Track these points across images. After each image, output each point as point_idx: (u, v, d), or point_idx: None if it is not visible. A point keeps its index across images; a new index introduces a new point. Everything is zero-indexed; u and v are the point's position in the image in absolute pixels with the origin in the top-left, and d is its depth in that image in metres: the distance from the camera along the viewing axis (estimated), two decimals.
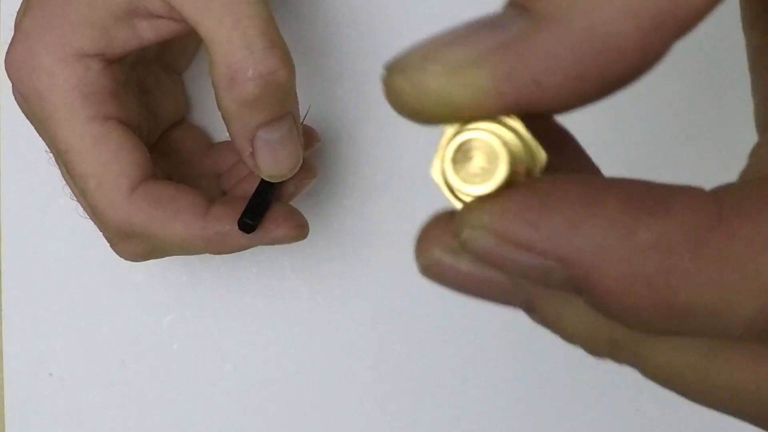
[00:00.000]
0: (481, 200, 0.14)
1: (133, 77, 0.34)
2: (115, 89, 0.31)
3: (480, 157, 0.14)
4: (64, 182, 0.33)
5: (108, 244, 0.33)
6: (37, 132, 0.32)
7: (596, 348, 0.15)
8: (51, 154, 0.32)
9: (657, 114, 0.38)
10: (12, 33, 0.31)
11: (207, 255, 0.32)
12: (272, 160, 0.31)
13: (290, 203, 0.34)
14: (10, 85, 0.31)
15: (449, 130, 0.15)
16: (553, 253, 0.13)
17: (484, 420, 0.39)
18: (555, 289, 0.14)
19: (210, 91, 0.30)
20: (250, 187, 0.33)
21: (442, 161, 0.15)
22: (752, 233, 0.13)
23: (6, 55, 0.31)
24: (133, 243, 0.32)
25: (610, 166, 0.17)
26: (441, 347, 0.39)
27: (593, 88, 0.14)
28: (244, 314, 0.39)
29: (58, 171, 0.33)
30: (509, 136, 0.15)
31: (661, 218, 0.13)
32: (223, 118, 0.30)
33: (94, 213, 0.31)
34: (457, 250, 0.15)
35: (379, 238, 0.39)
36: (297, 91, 0.31)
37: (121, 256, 0.33)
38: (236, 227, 0.31)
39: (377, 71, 0.44)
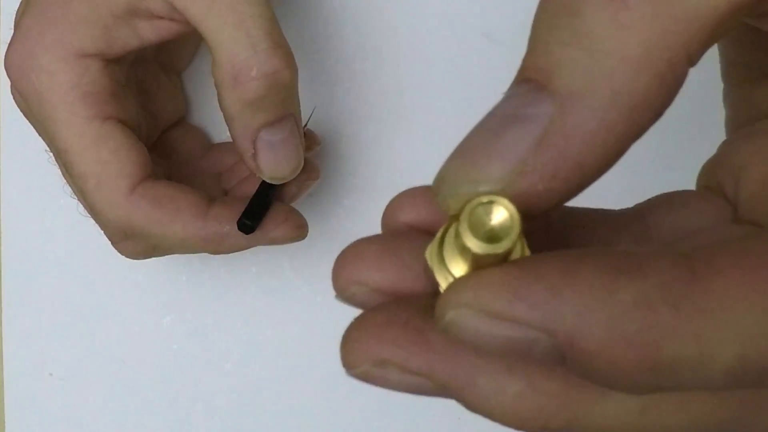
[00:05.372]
0: (460, 282, 0.14)
1: (132, 77, 0.34)
2: (115, 89, 0.31)
3: (493, 221, 0.14)
4: (65, 181, 0.33)
5: (108, 244, 0.33)
6: (36, 131, 0.32)
7: (529, 430, 0.16)
8: (51, 154, 0.32)
9: None
10: (12, 32, 0.31)
11: (207, 255, 0.32)
12: (274, 162, 0.31)
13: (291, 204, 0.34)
14: (10, 84, 0.31)
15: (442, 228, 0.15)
16: (537, 322, 0.13)
17: (484, 420, 0.39)
18: (537, 363, 0.14)
19: (209, 91, 0.30)
20: (252, 188, 0.33)
21: (439, 242, 0.15)
22: (726, 285, 0.13)
23: (5, 55, 0.31)
24: (133, 242, 0.32)
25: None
26: None
27: (627, 145, 0.14)
28: (244, 314, 0.39)
29: (58, 170, 0.33)
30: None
31: (639, 278, 0.13)
32: (225, 119, 0.30)
33: (94, 213, 0.31)
34: (384, 363, 0.15)
35: None
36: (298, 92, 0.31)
37: (123, 255, 0.33)
38: (235, 228, 0.31)
39: (377, 72, 0.44)
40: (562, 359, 0.14)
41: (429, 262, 0.15)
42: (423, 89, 0.38)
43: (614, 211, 0.18)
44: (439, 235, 0.15)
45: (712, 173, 0.18)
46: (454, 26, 0.38)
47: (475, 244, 0.14)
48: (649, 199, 0.18)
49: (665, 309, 0.13)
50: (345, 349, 0.16)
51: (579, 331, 0.13)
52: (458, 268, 0.15)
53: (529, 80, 0.14)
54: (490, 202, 0.14)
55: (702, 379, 0.14)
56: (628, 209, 0.18)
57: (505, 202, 0.14)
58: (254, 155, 0.31)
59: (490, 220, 0.14)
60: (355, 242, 0.17)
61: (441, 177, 0.15)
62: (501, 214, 0.14)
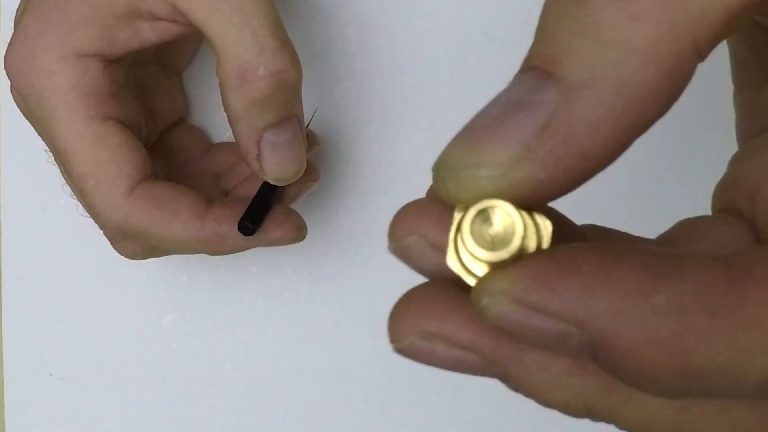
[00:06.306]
0: (498, 269, 0.14)
1: (132, 77, 0.34)
2: (114, 89, 0.31)
3: (495, 227, 0.14)
4: (65, 181, 0.33)
5: (108, 244, 0.33)
6: (36, 131, 0.32)
7: (572, 412, 0.16)
8: (51, 154, 0.32)
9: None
10: (12, 32, 0.31)
11: (207, 255, 0.32)
12: (278, 164, 0.31)
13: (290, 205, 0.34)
14: (10, 84, 0.31)
15: (458, 211, 0.15)
16: (571, 317, 0.13)
17: (484, 420, 0.39)
18: (569, 355, 0.14)
19: (209, 91, 0.30)
20: (252, 188, 0.33)
21: (456, 236, 0.15)
22: (764, 294, 0.13)
23: (5, 55, 0.31)
24: (132, 242, 0.32)
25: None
26: None
27: (633, 137, 0.14)
28: (244, 314, 0.39)
29: (58, 170, 0.33)
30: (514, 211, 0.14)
31: (675, 282, 0.13)
32: (230, 119, 0.30)
33: (93, 213, 0.31)
34: (431, 336, 0.15)
35: (379, 238, 0.39)
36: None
37: (122, 255, 0.33)
38: (235, 229, 0.31)
39: (377, 71, 0.44)
40: (595, 355, 0.14)
41: (455, 271, 0.15)
42: (423, 89, 0.38)
43: (638, 239, 0.18)
44: (451, 239, 0.15)
45: (726, 195, 0.18)
46: (454, 26, 0.38)
47: (481, 254, 0.14)
48: (670, 229, 0.18)
49: (700, 315, 0.13)
50: (392, 323, 0.16)
51: (612, 330, 0.13)
52: (479, 268, 0.15)
53: (535, 68, 0.14)
54: (489, 207, 0.14)
55: (732, 388, 0.13)
56: (651, 240, 0.18)
57: (503, 203, 0.14)
58: (258, 156, 0.31)
59: (492, 224, 0.14)
60: (417, 200, 0.16)
61: (441, 160, 0.15)
62: (502, 216, 0.14)
